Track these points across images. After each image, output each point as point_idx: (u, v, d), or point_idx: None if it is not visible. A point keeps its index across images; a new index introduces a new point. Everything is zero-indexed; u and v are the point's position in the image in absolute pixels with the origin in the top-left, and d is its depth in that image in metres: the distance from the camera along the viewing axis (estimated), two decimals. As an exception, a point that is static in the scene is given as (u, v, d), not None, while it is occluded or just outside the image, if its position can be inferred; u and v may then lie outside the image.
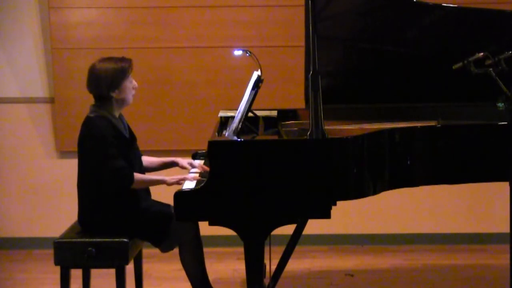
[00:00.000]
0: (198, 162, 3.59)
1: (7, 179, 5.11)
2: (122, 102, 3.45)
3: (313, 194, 2.93)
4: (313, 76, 2.92)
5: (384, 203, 4.99)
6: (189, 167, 3.52)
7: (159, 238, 3.41)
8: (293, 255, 3.78)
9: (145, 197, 3.53)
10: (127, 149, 3.42)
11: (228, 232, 3.02)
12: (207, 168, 3.26)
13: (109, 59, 3.45)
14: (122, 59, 3.45)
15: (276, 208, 2.92)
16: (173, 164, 3.67)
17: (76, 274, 3.51)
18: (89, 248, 3.29)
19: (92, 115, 3.40)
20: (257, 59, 3.51)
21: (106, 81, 3.38)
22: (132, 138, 3.55)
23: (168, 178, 3.36)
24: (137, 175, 3.37)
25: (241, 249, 2.98)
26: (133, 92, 3.48)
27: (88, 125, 3.40)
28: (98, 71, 3.39)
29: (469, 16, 3.71)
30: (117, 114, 3.47)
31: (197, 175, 3.36)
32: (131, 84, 3.45)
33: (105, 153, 3.31)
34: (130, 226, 3.37)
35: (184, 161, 3.61)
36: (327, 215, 2.95)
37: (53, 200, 5.09)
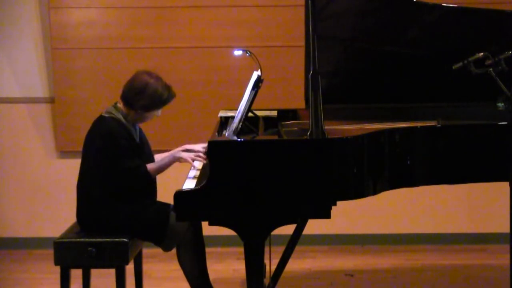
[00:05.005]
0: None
1: (7, 179, 5.11)
2: (139, 118, 3.49)
3: (313, 194, 2.92)
4: (313, 76, 2.92)
5: (384, 203, 4.99)
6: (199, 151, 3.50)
7: (159, 237, 3.41)
8: (293, 255, 3.78)
9: (150, 197, 3.54)
10: (137, 152, 3.44)
11: (228, 232, 3.01)
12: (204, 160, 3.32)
13: (160, 80, 3.45)
14: (170, 89, 3.47)
15: (276, 208, 2.92)
16: None
17: (76, 274, 3.51)
18: (89, 248, 3.29)
19: (106, 115, 3.42)
20: (257, 59, 3.51)
21: (146, 99, 3.41)
22: (143, 142, 3.56)
23: (183, 154, 3.41)
24: (150, 166, 3.43)
25: (241, 249, 2.98)
26: (153, 118, 3.51)
27: (101, 124, 3.41)
28: (147, 87, 3.40)
29: (469, 16, 3.70)
30: (130, 121, 3.48)
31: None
32: (158, 112, 3.50)
33: (120, 153, 3.34)
34: (129, 226, 3.37)
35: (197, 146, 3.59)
36: (327, 215, 2.95)
37: (53, 200, 5.09)
